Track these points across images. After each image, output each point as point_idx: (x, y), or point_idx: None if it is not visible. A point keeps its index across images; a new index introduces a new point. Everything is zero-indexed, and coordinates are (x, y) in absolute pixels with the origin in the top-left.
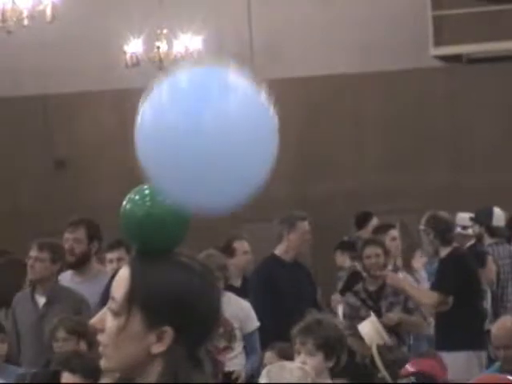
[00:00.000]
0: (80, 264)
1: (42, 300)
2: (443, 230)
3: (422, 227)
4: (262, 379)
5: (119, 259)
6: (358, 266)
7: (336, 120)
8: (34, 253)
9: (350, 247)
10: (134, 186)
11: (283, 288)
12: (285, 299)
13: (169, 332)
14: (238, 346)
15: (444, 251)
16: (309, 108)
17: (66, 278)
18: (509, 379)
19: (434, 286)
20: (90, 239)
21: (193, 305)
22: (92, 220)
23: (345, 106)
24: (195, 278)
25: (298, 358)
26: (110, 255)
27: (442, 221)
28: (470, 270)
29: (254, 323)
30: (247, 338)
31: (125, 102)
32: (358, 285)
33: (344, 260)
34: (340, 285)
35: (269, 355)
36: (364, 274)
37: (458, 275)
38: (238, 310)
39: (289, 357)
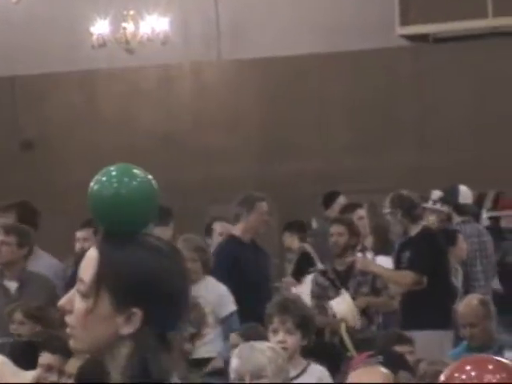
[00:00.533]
0: None
1: (12, 285)
2: (409, 208)
3: (387, 210)
4: (233, 361)
5: (85, 239)
6: (307, 247)
7: (301, 101)
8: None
9: (298, 228)
10: (104, 166)
11: (244, 266)
12: (245, 277)
13: (137, 314)
14: (212, 332)
15: (414, 229)
16: (274, 89)
17: None
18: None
19: (408, 266)
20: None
21: (161, 286)
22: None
23: (310, 87)
24: (163, 259)
25: (276, 336)
26: (78, 234)
27: (407, 199)
28: (441, 248)
29: (230, 307)
30: (223, 322)
31: (92, 83)
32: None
33: (292, 241)
34: (290, 267)
35: (233, 337)
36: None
37: (432, 254)
38: (213, 295)
39: (253, 337)
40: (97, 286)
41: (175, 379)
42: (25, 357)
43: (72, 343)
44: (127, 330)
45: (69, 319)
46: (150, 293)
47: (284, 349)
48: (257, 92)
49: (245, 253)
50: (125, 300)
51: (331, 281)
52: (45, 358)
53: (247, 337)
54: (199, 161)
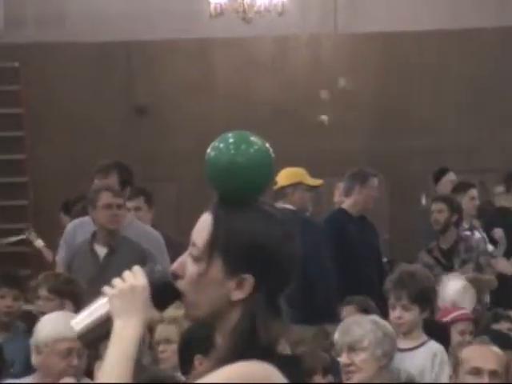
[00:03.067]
0: None
1: (102, 251)
2: None
3: (501, 189)
4: (335, 334)
5: (136, 208)
6: None
7: (416, 77)
8: (116, 200)
9: None
10: (214, 136)
11: (352, 239)
12: (352, 250)
13: (249, 279)
14: None
15: None
16: (389, 64)
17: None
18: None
19: None
20: (122, 185)
21: (274, 253)
22: (124, 164)
23: (426, 63)
24: (277, 226)
25: (394, 312)
26: (128, 204)
27: None
28: None
29: None
30: None
31: (208, 52)
32: (432, 243)
33: None
34: None
35: (348, 309)
36: None
37: None
38: None
39: (368, 309)
40: (210, 250)
41: (284, 345)
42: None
43: (185, 310)
44: (238, 295)
45: (180, 285)
46: (262, 259)
47: (401, 324)
48: (372, 66)
49: (352, 226)
50: (237, 265)
51: (436, 259)
52: None
53: (360, 309)
54: (310, 134)
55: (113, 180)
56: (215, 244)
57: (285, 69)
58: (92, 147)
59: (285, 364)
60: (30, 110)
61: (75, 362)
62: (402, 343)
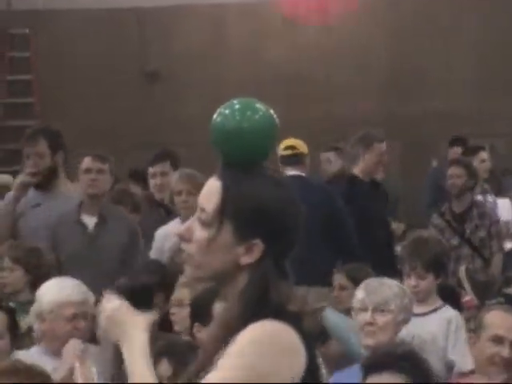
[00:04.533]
0: (46, 182)
1: (90, 221)
2: None
3: None
4: (359, 292)
5: (163, 174)
6: None
7: (430, 41)
8: (95, 164)
9: None
10: (224, 101)
11: (362, 206)
12: (363, 216)
13: (259, 244)
14: None
15: None
16: (403, 28)
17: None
18: None
19: None
20: (53, 150)
21: (282, 217)
22: (51, 128)
23: (440, 27)
24: (282, 190)
25: (409, 281)
26: (152, 169)
27: None
28: None
29: None
30: None
31: (220, 17)
32: (444, 205)
33: None
34: None
35: (338, 277)
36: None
37: None
38: None
39: (358, 279)
40: (220, 215)
41: (292, 307)
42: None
43: (189, 271)
44: (247, 260)
45: (187, 247)
46: (271, 224)
47: (416, 292)
48: (386, 30)
49: (364, 193)
50: (247, 230)
51: (448, 222)
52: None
53: (350, 277)
54: (323, 98)
55: (43, 146)
56: (225, 211)
57: (297, 33)
58: (103, 114)
59: (296, 321)
60: (40, 76)
61: (81, 324)
62: (416, 308)
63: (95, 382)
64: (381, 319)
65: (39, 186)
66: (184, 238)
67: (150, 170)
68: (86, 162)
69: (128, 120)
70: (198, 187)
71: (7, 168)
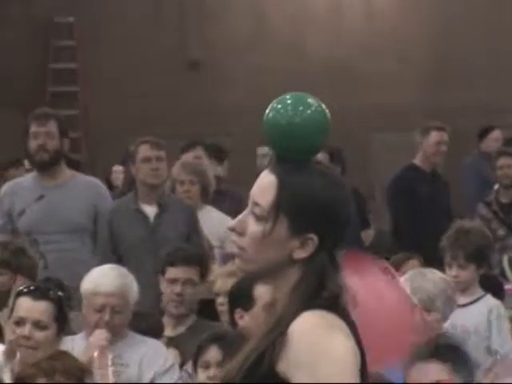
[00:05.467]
0: (52, 163)
1: (150, 210)
2: None
3: None
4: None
5: (197, 157)
6: None
7: (472, 31)
8: (154, 152)
9: None
10: (270, 90)
11: (421, 196)
12: (422, 207)
13: (313, 239)
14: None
15: None
16: (445, 18)
17: (29, 183)
18: None
19: None
20: (61, 135)
21: (335, 212)
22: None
23: (481, 15)
24: (334, 184)
25: (450, 271)
26: (186, 156)
27: None
28: None
29: None
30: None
31: (262, 5)
32: (490, 196)
33: None
34: None
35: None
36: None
37: None
38: (219, 226)
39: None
40: (276, 210)
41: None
42: None
43: (240, 264)
44: (301, 254)
45: (239, 240)
46: (325, 218)
47: (458, 282)
48: (427, 20)
49: (421, 182)
50: (302, 226)
51: (494, 213)
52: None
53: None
54: (365, 87)
55: (53, 126)
56: (281, 206)
57: (340, 22)
58: (144, 103)
59: (345, 314)
60: (84, 65)
61: (106, 317)
62: (458, 299)
63: (111, 373)
64: (427, 318)
65: (44, 168)
66: (236, 230)
67: (183, 157)
68: (144, 149)
69: (167, 108)
70: (200, 177)
71: None
